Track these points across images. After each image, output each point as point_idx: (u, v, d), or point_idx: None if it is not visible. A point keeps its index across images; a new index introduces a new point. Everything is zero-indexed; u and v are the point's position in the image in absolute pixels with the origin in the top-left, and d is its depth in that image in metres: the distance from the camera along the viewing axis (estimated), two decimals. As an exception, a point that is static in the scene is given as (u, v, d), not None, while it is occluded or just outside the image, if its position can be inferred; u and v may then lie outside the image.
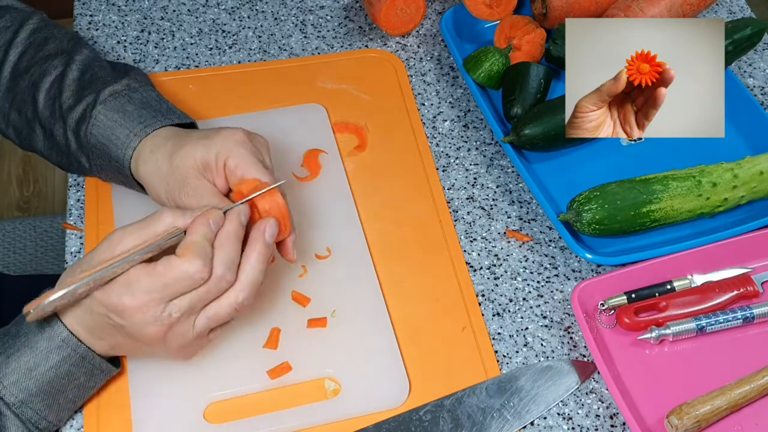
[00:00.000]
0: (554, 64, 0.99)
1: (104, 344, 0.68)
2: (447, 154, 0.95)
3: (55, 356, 0.67)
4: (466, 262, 0.86)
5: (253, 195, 0.69)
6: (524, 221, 0.90)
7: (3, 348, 0.67)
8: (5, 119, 0.83)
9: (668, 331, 0.79)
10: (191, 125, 0.82)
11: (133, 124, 0.77)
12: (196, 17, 1.07)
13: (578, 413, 0.77)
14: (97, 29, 1.04)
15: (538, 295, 0.84)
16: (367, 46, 1.05)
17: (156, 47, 1.03)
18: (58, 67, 0.81)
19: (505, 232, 0.89)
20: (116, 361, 0.73)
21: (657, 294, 0.82)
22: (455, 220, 0.89)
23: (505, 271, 0.86)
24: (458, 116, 0.99)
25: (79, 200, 0.88)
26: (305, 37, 1.06)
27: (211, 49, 1.03)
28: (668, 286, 0.83)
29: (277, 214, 0.70)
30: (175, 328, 0.66)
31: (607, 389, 0.78)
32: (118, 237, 0.65)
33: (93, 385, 0.71)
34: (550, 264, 0.87)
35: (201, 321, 0.67)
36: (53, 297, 0.62)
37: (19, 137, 0.84)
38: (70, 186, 0.89)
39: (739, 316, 0.80)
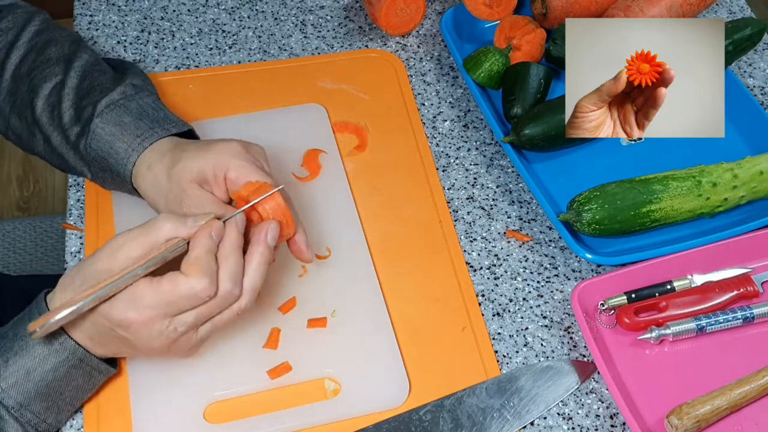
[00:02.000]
0: (554, 64, 0.99)
1: (104, 350, 0.69)
2: (447, 154, 0.95)
3: (53, 359, 0.66)
4: (466, 262, 0.86)
5: (254, 201, 0.69)
6: (524, 221, 0.90)
7: (1, 351, 0.67)
8: (6, 122, 0.83)
9: (668, 331, 0.79)
10: (189, 132, 0.82)
11: (130, 138, 0.77)
12: (196, 17, 1.07)
13: (578, 413, 0.77)
14: (97, 29, 1.04)
15: (538, 295, 0.84)
16: (367, 46, 1.05)
17: (156, 47, 1.03)
18: (57, 74, 0.81)
19: (505, 232, 0.89)
20: (114, 362, 0.73)
21: (657, 294, 0.82)
22: (455, 220, 0.89)
23: (505, 271, 0.86)
24: (458, 116, 0.99)
25: (79, 200, 0.88)
26: (305, 37, 1.06)
27: (211, 49, 1.03)
28: (668, 286, 0.83)
29: (279, 215, 0.70)
30: (180, 339, 0.66)
31: (607, 389, 0.78)
32: (119, 243, 0.65)
33: (91, 387, 0.71)
34: (550, 264, 0.87)
35: (205, 328, 0.67)
36: (59, 316, 0.61)
37: (20, 140, 0.84)
38: (70, 186, 0.89)
39: (739, 316, 0.80)
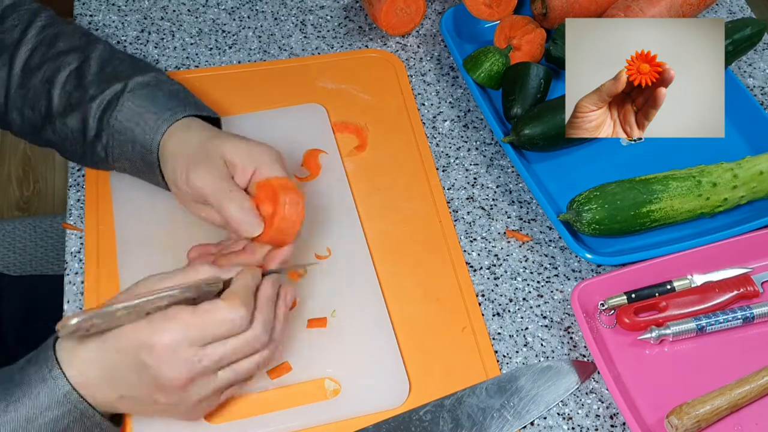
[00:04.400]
0: (554, 64, 0.99)
1: (112, 394, 0.66)
2: (447, 154, 0.95)
3: (55, 411, 0.64)
4: (466, 262, 0.86)
5: (288, 267, 0.73)
6: (524, 221, 0.90)
7: (3, 395, 0.65)
8: (20, 115, 0.83)
9: (668, 331, 0.79)
10: (216, 121, 0.83)
11: (162, 110, 0.78)
12: (196, 17, 1.07)
13: (578, 413, 0.77)
14: (97, 29, 1.04)
15: (538, 295, 0.84)
16: (367, 46, 1.05)
17: (156, 47, 1.03)
18: (72, 62, 0.82)
19: (505, 232, 0.89)
20: (118, 420, 0.70)
21: (657, 294, 0.82)
22: (455, 220, 0.89)
23: (505, 271, 0.86)
24: (458, 116, 0.99)
25: (79, 200, 0.88)
26: (305, 37, 1.06)
27: (211, 49, 1.03)
28: (668, 286, 0.83)
29: (293, 219, 0.71)
30: (199, 378, 0.65)
31: (607, 389, 0.78)
32: (155, 279, 0.65)
33: None
34: (550, 264, 0.87)
35: (225, 374, 0.66)
36: (89, 314, 0.61)
37: (33, 132, 0.84)
38: (70, 186, 0.89)
39: (739, 316, 0.80)
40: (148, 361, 0.63)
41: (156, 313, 0.63)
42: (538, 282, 0.85)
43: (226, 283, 0.67)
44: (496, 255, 0.87)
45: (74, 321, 0.60)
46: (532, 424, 0.76)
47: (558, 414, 0.77)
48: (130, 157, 0.80)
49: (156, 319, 0.63)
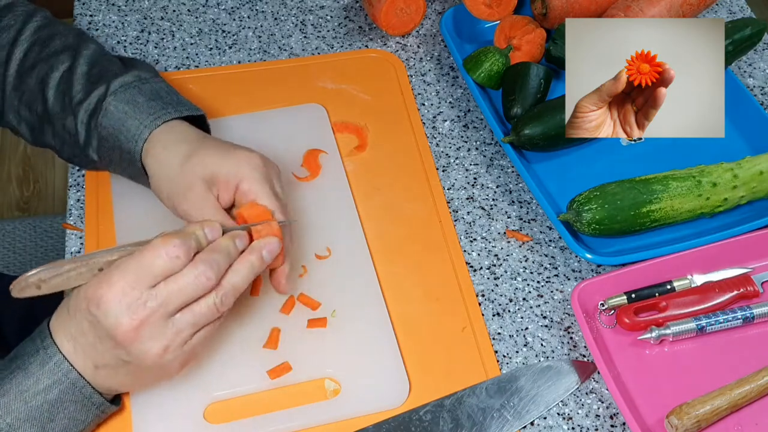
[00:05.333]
0: (554, 64, 0.99)
1: (89, 364, 0.66)
2: (447, 154, 0.95)
3: (46, 379, 0.65)
4: (466, 262, 0.86)
5: (255, 224, 0.69)
6: (524, 221, 0.90)
7: (1, 369, 0.66)
8: (17, 116, 0.83)
9: (668, 331, 0.79)
10: (202, 118, 0.82)
11: (143, 116, 0.77)
12: (196, 17, 1.07)
13: (578, 413, 0.77)
14: (97, 29, 1.04)
15: (538, 295, 0.84)
16: (367, 46, 1.05)
17: (156, 47, 1.03)
18: (65, 62, 0.82)
19: (505, 232, 0.89)
20: (117, 400, 0.71)
21: (657, 294, 0.82)
22: (455, 220, 0.89)
23: (505, 271, 0.86)
24: (458, 116, 0.99)
25: (79, 200, 0.88)
26: (305, 37, 1.06)
27: (211, 49, 1.03)
28: (668, 286, 0.83)
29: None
30: (151, 322, 0.63)
31: (607, 389, 0.78)
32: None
33: (84, 419, 0.68)
34: (550, 264, 0.87)
35: (183, 317, 0.65)
36: (36, 270, 0.62)
37: (31, 133, 0.84)
38: (70, 186, 0.89)
39: (739, 316, 0.80)
40: (98, 314, 0.63)
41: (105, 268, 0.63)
42: (538, 282, 0.85)
43: None
44: (496, 255, 0.87)
45: (25, 277, 0.62)
46: (532, 424, 0.76)
47: (558, 414, 0.77)
48: (119, 162, 0.80)
49: (103, 272, 0.63)
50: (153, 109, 0.78)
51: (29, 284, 0.62)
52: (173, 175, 0.74)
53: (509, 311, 0.83)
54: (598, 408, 0.77)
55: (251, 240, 0.69)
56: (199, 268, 0.64)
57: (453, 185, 0.92)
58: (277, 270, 0.74)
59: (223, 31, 1.05)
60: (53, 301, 0.85)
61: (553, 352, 0.80)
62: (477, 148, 0.96)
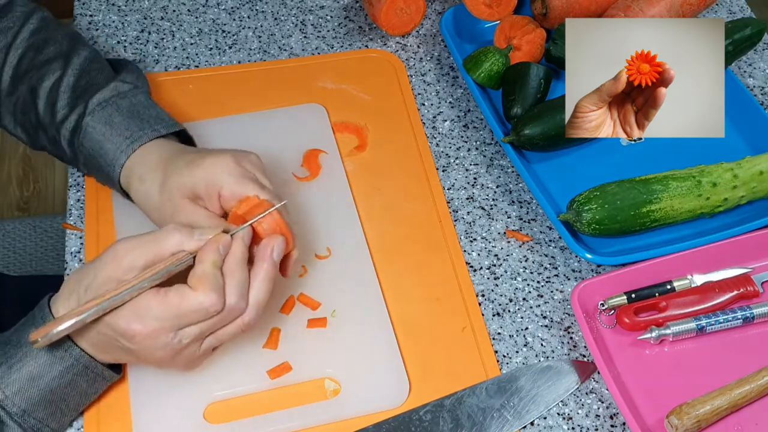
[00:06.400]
0: (554, 64, 0.99)
1: (108, 357, 0.68)
2: (447, 154, 0.95)
3: (59, 366, 0.66)
4: (466, 262, 0.86)
5: (253, 220, 0.68)
6: (524, 221, 0.90)
7: (4, 357, 0.66)
8: (13, 120, 0.83)
9: (668, 331, 0.79)
10: (183, 132, 0.81)
11: (119, 140, 0.77)
12: (196, 17, 1.07)
13: (578, 413, 0.77)
14: (97, 29, 1.04)
15: (538, 295, 0.84)
16: (367, 46, 1.05)
17: (156, 47, 1.03)
18: (55, 71, 0.81)
19: (505, 232, 0.89)
20: (118, 367, 0.72)
21: (657, 294, 0.82)
22: (455, 220, 0.89)
23: (505, 271, 0.86)
24: (458, 116, 0.99)
25: (79, 200, 0.88)
26: (305, 37, 1.06)
27: (211, 49, 1.03)
28: (668, 286, 0.83)
29: (277, 233, 0.69)
30: (184, 351, 0.66)
31: (607, 389, 0.78)
32: (124, 249, 0.64)
33: (95, 392, 0.71)
34: (550, 264, 0.87)
35: (208, 341, 0.67)
36: (61, 327, 0.61)
37: (28, 137, 0.84)
38: (70, 186, 0.89)
39: (739, 316, 0.80)
40: (130, 346, 0.65)
41: (127, 303, 0.63)
42: (538, 282, 0.85)
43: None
44: (496, 255, 0.87)
45: (49, 334, 0.61)
46: (532, 424, 0.76)
47: (558, 414, 0.77)
48: (102, 181, 0.80)
49: (127, 310, 0.63)
50: (130, 130, 0.77)
51: (53, 338, 0.62)
52: (156, 204, 0.74)
53: (509, 311, 0.83)
54: (598, 408, 0.77)
55: (255, 234, 0.69)
56: (231, 302, 0.65)
57: (453, 185, 0.92)
58: (287, 257, 0.72)
59: (223, 31, 1.05)
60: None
61: (553, 352, 0.80)
62: (477, 148, 0.96)
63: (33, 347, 0.64)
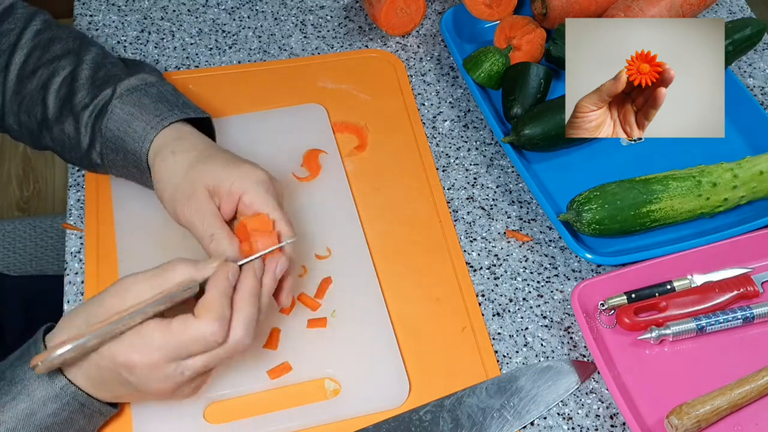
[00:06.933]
0: (554, 64, 0.99)
1: (106, 395, 0.67)
2: (447, 154, 0.95)
3: (54, 404, 0.64)
4: (466, 262, 0.86)
5: (264, 252, 0.68)
6: (524, 221, 0.90)
7: None
8: (17, 121, 0.83)
9: (668, 331, 0.79)
10: (207, 120, 0.82)
11: (149, 117, 0.77)
12: (196, 17, 1.07)
13: (578, 413, 0.77)
14: (97, 29, 1.04)
15: (538, 295, 0.84)
16: (367, 46, 1.05)
17: (156, 47, 1.03)
18: (66, 67, 0.81)
19: (505, 232, 0.89)
20: (115, 403, 0.71)
21: (657, 294, 0.82)
22: (455, 220, 0.89)
23: (505, 271, 0.86)
24: (458, 116, 0.99)
25: (79, 200, 0.88)
26: (305, 37, 1.06)
27: (211, 49, 1.03)
28: (668, 286, 0.83)
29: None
30: (186, 385, 0.65)
31: (607, 389, 0.78)
32: (129, 282, 0.63)
33: (93, 427, 0.69)
34: (550, 264, 0.87)
35: (213, 371, 0.67)
36: (61, 351, 0.60)
37: (31, 138, 0.84)
38: (70, 186, 0.89)
39: (739, 316, 0.80)
40: (130, 378, 0.63)
41: (129, 331, 0.62)
42: (538, 282, 0.85)
43: (203, 285, 0.65)
44: (496, 255, 0.87)
45: (45, 359, 0.60)
46: (532, 424, 0.76)
47: (558, 414, 0.77)
48: (123, 164, 0.80)
49: (128, 339, 0.62)
50: (159, 111, 0.78)
51: (54, 364, 0.61)
52: (178, 180, 0.74)
53: (509, 311, 0.83)
54: (598, 408, 0.77)
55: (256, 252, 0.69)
56: (237, 335, 0.64)
57: (453, 185, 0.92)
58: (282, 284, 0.72)
59: (223, 31, 1.05)
60: (52, 302, 0.86)
61: (553, 352, 0.80)
62: (477, 148, 0.96)
63: (33, 371, 0.62)
